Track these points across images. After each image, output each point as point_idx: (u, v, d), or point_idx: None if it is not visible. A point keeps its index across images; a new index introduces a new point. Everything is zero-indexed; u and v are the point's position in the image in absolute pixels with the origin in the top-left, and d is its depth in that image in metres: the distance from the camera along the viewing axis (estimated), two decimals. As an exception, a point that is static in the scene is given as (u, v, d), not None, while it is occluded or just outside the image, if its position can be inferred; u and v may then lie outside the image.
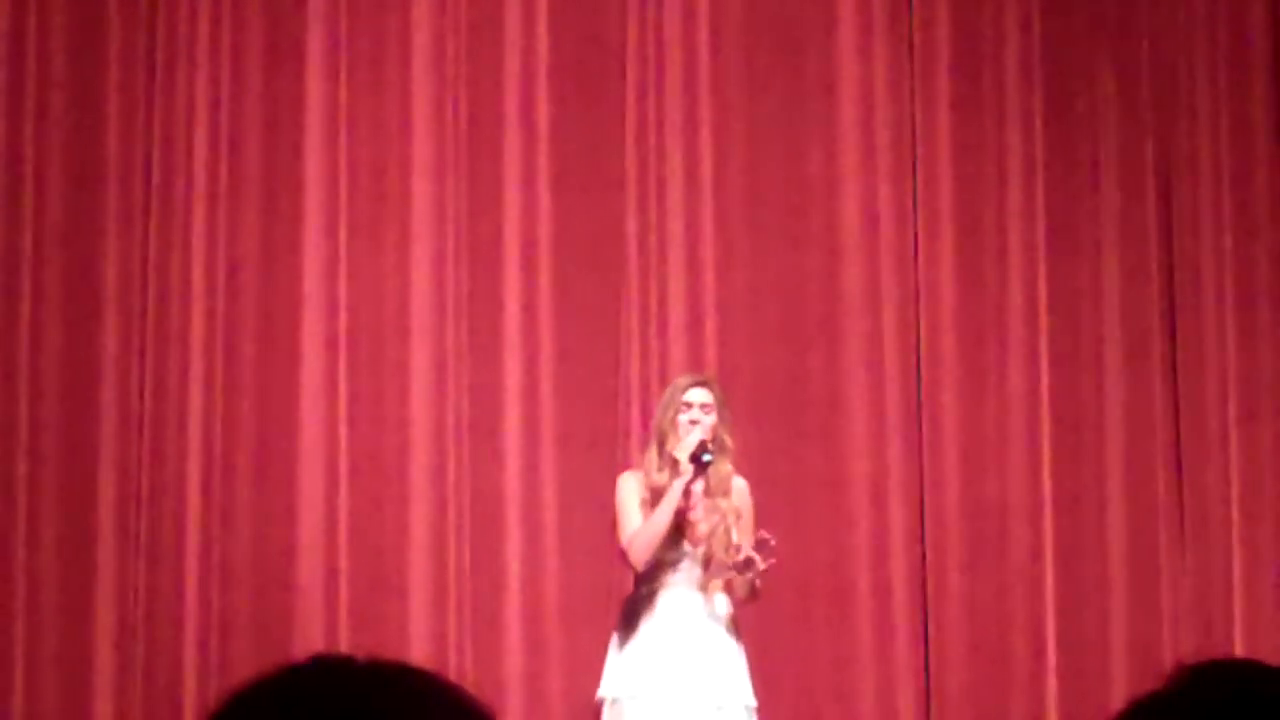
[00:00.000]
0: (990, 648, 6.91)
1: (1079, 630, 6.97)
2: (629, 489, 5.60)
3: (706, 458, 5.45)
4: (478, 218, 6.85)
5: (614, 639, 5.59)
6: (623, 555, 5.56)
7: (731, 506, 5.55)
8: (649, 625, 5.51)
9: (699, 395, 5.61)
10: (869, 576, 6.86)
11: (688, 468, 5.46)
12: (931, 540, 6.94)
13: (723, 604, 5.54)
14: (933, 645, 6.89)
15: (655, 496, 5.52)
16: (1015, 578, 6.96)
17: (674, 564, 5.52)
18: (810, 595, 6.79)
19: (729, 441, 5.61)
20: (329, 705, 1.30)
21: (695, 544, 5.51)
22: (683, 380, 5.76)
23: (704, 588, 5.52)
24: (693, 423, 5.55)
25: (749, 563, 5.37)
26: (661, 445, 5.58)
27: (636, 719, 5.45)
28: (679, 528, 5.49)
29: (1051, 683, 6.92)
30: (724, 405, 5.65)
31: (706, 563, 5.51)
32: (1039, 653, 6.94)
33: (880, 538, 6.89)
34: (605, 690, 5.55)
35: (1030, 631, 6.94)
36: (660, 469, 5.55)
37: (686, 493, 5.47)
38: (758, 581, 5.43)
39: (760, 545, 5.38)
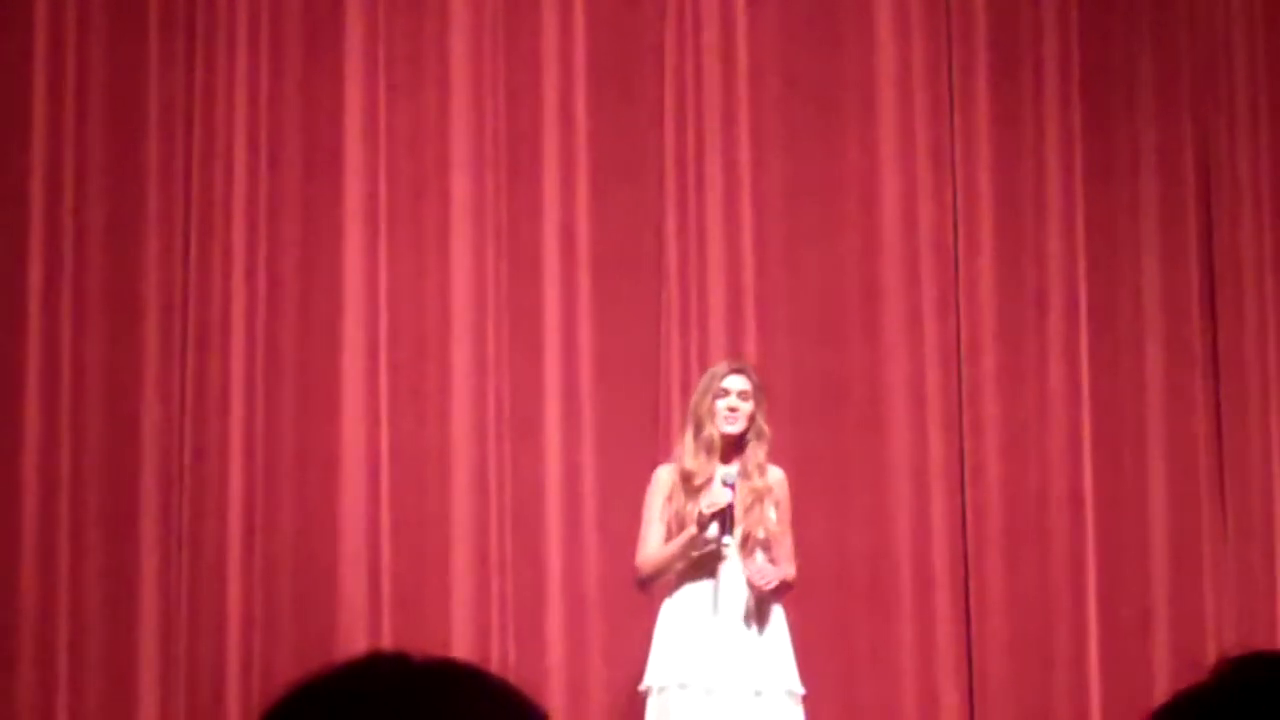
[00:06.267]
0: (1032, 639, 6.90)
1: (1121, 621, 6.96)
2: (657, 489, 5.64)
3: (726, 540, 5.45)
4: (517, 215, 6.86)
5: (657, 627, 5.61)
6: (634, 566, 5.64)
7: (765, 485, 5.58)
8: (691, 612, 5.53)
9: (737, 383, 5.64)
10: (911, 568, 6.87)
11: (709, 507, 5.48)
12: (973, 532, 6.94)
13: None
14: (974, 636, 6.88)
15: (686, 481, 5.56)
16: (1057, 568, 6.95)
17: (715, 549, 5.54)
18: (852, 587, 6.79)
19: (766, 430, 5.64)
20: (385, 703, 1.31)
21: (733, 526, 5.54)
22: (721, 367, 5.79)
23: (746, 569, 5.55)
24: (730, 410, 5.58)
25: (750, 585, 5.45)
26: (698, 430, 5.61)
27: (680, 708, 5.47)
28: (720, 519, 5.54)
29: (1094, 673, 6.91)
30: (761, 391, 5.68)
31: (744, 542, 5.53)
32: (1081, 644, 6.93)
33: (922, 529, 6.89)
34: (650, 680, 5.57)
35: (1072, 622, 6.93)
36: (695, 454, 5.58)
37: (696, 544, 5.51)
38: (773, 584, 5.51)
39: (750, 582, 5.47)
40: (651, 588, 5.63)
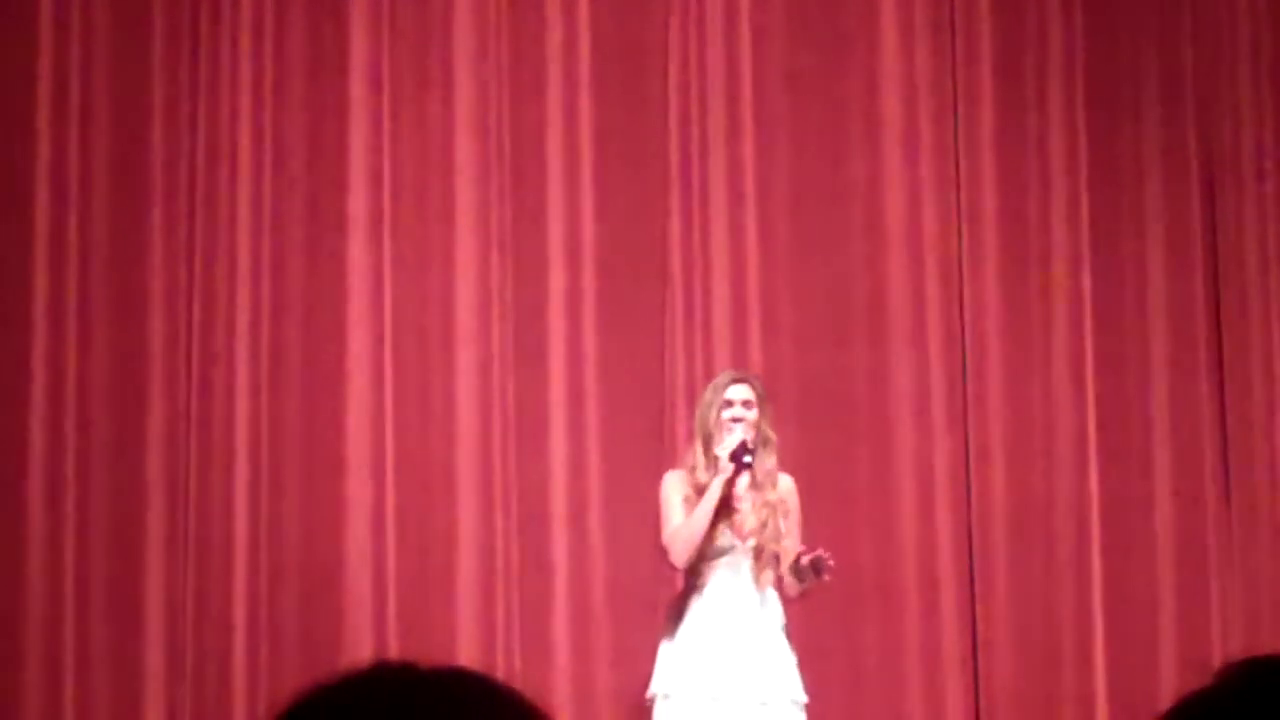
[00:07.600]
0: (1038, 646, 6.90)
1: (1127, 628, 6.96)
2: (672, 487, 5.63)
3: (747, 459, 5.48)
4: (521, 221, 6.87)
5: (665, 634, 5.61)
6: (664, 553, 5.60)
7: (778, 498, 5.59)
8: (699, 620, 5.54)
9: (740, 392, 5.63)
10: (916, 575, 6.86)
11: (728, 466, 5.49)
12: (979, 539, 6.93)
13: (773, 598, 5.56)
14: (981, 644, 6.88)
15: (699, 494, 5.55)
16: (1063, 576, 6.95)
17: (724, 558, 5.54)
18: (858, 594, 6.79)
19: (772, 436, 5.64)
20: (391, 712, 1.31)
21: (744, 537, 5.54)
22: (723, 377, 5.78)
23: (755, 581, 5.54)
24: (735, 420, 5.57)
25: (817, 562, 5.39)
26: (706, 444, 5.61)
27: (686, 714, 5.47)
28: (729, 521, 5.52)
29: (1100, 680, 6.91)
30: (765, 401, 5.67)
31: (757, 555, 5.53)
32: (1087, 651, 6.93)
33: (927, 536, 6.89)
34: (656, 686, 5.57)
35: (1078, 630, 6.93)
36: (706, 468, 5.57)
37: (730, 487, 5.50)
38: (814, 580, 5.46)
39: (818, 562, 5.41)
40: (684, 559, 5.56)
